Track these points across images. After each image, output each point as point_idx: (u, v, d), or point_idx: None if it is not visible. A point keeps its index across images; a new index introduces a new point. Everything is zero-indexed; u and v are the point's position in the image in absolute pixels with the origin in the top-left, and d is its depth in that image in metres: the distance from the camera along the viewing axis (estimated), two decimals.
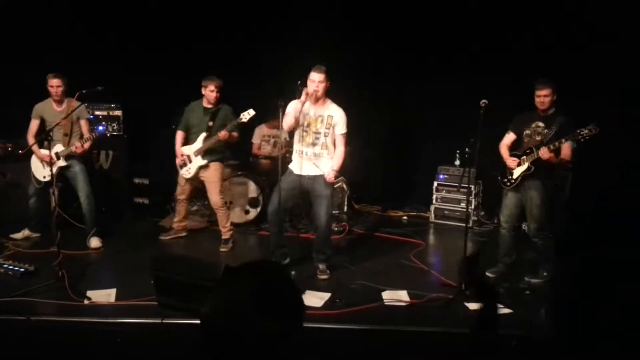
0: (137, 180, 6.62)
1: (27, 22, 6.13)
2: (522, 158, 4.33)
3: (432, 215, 6.54)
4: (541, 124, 4.33)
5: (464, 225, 4.48)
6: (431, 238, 6.03)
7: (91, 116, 6.12)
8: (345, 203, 6.20)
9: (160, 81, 6.52)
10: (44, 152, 4.89)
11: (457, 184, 6.22)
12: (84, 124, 5.04)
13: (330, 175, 4.30)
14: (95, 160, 6.21)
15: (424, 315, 3.77)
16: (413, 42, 6.46)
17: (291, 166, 4.51)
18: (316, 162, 4.34)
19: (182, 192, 5.34)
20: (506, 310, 3.76)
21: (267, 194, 6.11)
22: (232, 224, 5.53)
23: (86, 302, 3.78)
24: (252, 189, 6.06)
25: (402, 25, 6.49)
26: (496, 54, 5.91)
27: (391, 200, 6.94)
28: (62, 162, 4.70)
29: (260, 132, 6.84)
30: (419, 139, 6.96)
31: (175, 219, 5.50)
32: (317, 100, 4.27)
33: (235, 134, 5.12)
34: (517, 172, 4.36)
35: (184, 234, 5.56)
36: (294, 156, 4.50)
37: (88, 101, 5.92)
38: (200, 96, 5.17)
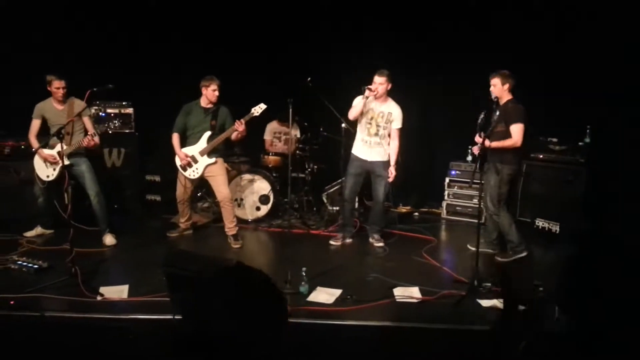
0: (148, 177, 6.66)
1: (37, 21, 6.17)
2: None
3: (444, 212, 6.51)
4: (495, 111, 4.59)
5: (476, 221, 4.44)
6: (443, 234, 5.99)
7: (103, 114, 6.18)
8: (357, 199, 6.17)
9: (172, 78, 6.53)
10: (47, 152, 4.93)
11: (469, 180, 6.20)
12: (87, 121, 5.06)
13: (393, 173, 5.03)
14: (108, 158, 6.25)
15: (435, 312, 3.73)
16: (424, 37, 6.42)
17: (355, 152, 5.19)
18: (377, 150, 5.08)
19: (185, 193, 5.32)
20: (520, 307, 3.73)
21: (277, 191, 6.12)
22: (243, 220, 5.51)
23: (99, 298, 3.80)
24: (263, 186, 6.06)
25: (413, 21, 6.46)
26: (508, 51, 5.83)
27: (403, 196, 6.91)
28: (65, 161, 4.70)
29: (272, 129, 6.85)
30: (431, 135, 6.92)
31: (181, 220, 5.51)
32: (379, 98, 4.96)
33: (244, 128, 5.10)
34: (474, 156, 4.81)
35: (190, 231, 5.59)
36: (358, 143, 5.17)
37: (99, 99, 6.00)
38: (199, 97, 5.18)
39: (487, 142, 4.52)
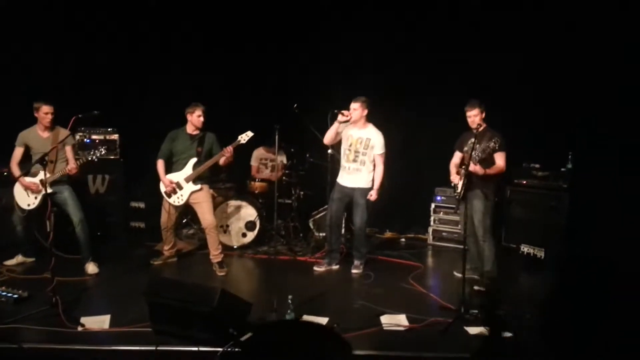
0: (133, 204, 6.59)
1: (20, 48, 6.16)
2: (461, 173, 4.67)
3: (430, 237, 6.51)
4: (474, 140, 4.64)
5: (462, 247, 4.45)
6: (429, 260, 5.98)
7: (88, 140, 6.15)
8: (343, 225, 6.16)
9: (158, 105, 6.54)
10: (29, 179, 4.88)
11: (454, 206, 6.23)
12: (69, 150, 5.02)
13: (373, 197, 5.08)
14: (92, 184, 6.20)
15: (423, 339, 3.70)
16: (408, 63, 6.53)
17: (338, 179, 5.26)
18: (356, 176, 5.10)
19: (169, 220, 5.27)
20: (507, 334, 3.71)
21: (263, 217, 6.08)
22: (229, 247, 5.44)
23: (80, 329, 3.71)
24: (250, 212, 6.03)
25: (398, 48, 6.57)
26: (490, 74, 5.95)
27: (388, 222, 6.92)
28: (48, 189, 4.56)
29: (258, 155, 6.85)
30: (415, 160, 6.96)
31: (165, 248, 5.44)
32: (356, 123, 5.04)
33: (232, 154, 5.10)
34: (459, 186, 4.71)
35: (174, 258, 5.52)
36: (340, 171, 5.24)
37: (84, 125, 5.97)
38: (184, 124, 5.20)
39: (479, 169, 4.53)
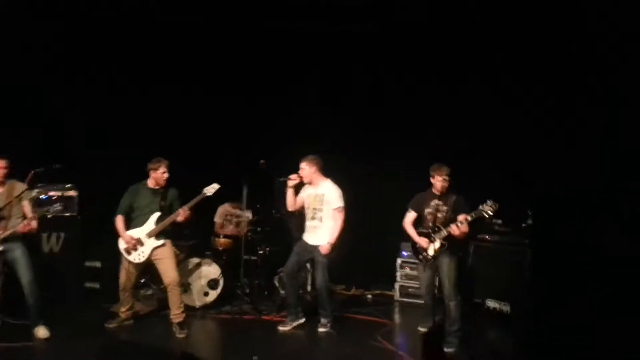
0: (88, 264, 6.29)
1: None
2: (432, 237, 4.73)
3: (397, 293, 6.45)
4: (440, 202, 4.79)
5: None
6: (397, 317, 5.91)
7: (44, 196, 5.91)
8: (309, 282, 6.05)
9: (118, 160, 6.43)
10: None
11: (418, 262, 6.23)
12: (26, 205, 4.78)
13: (324, 248, 5.00)
14: (46, 242, 5.92)
15: None
16: (373, 117, 6.72)
17: (303, 236, 5.25)
18: (315, 233, 5.10)
19: (128, 279, 5.01)
20: None
21: (227, 275, 5.91)
22: (190, 307, 5.24)
23: None
24: (212, 270, 5.84)
25: (365, 99, 6.76)
26: (458, 128, 6.16)
27: (353, 278, 6.84)
28: None
29: (223, 211, 6.73)
30: (381, 215, 6.99)
31: (122, 309, 5.15)
32: (309, 182, 5.12)
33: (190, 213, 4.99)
34: (431, 250, 4.74)
35: (131, 321, 5.23)
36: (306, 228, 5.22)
37: (42, 181, 5.78)
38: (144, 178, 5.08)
39: (455, 231, 4.57)
